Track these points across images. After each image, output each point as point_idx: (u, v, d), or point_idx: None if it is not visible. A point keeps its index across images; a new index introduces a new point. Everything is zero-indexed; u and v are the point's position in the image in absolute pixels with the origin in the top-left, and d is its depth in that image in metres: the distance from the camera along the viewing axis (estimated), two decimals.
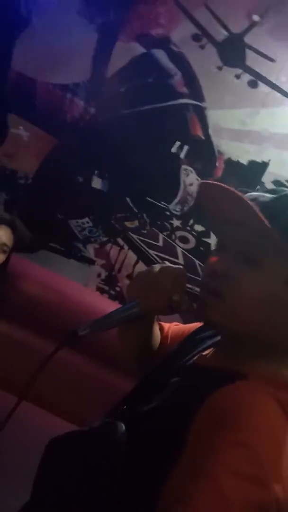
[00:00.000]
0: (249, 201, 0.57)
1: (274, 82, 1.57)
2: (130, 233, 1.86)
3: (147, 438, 0.56)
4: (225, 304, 0.60)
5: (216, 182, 0.61)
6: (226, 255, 0.61)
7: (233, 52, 1.57)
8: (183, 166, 1.73)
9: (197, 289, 0.65)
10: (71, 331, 0.67)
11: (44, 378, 0.71)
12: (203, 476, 0.48)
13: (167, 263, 0.72)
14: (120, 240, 1.88)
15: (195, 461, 0.49)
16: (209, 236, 1.77)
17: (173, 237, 1.82)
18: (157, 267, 0.69)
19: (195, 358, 0.70)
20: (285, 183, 1.64)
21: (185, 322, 0.89)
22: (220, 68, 1.60)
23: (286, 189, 0.62)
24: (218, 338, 0.71)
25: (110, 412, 0.71)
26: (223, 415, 0.52)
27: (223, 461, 0.48)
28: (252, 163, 1.66)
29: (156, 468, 0.53)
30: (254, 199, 0.59)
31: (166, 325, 0.90)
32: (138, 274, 0.72)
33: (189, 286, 0.68)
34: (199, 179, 1.73)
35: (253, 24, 1.53)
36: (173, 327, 0.90)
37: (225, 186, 0.59)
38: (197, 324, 0.82)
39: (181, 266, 0.70)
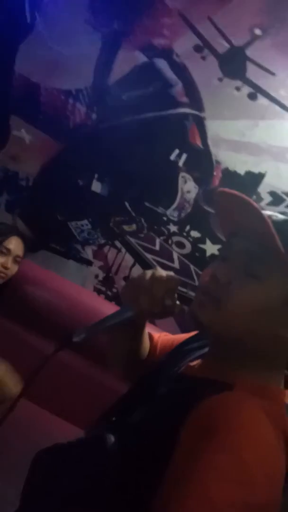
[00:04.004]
0: (265, 216, 0.58)
1: (273, 95, 1.59)
2: (127, 236, 1.90)
3: (138, 450, 0.57)
4: (220, 309, 0.61)
5: (235, 192, 0.61)
6: (229, 264, 0.62)
7: (234, 64, 1.59)
8: (181, 174, 1.76)
9: (191, 293, 0.68)
10: (66, 337, 0.69)
11: (43, 377, 0.75)
12: (190, 482, 0.48)
13: (159, 269, 0.73)
14: (117, 243, 1.92)
15: (182, 469, 0.50)
16: (204, 243, 1.81)
17: (170, 242, 1.85)
18: (148, 273, 0.70)
19: (182, 368, 0.71)
20: (282, 195, 1.68)
21: (179, 326, 0.90)
22: (220, 80, 1.62)
23: None
24: (206, 349, 0.72)
25: (98, 423, 0.72)
26: (209, 424, 0.53)
27: (209, 467, 0.49)
28: (249, 173, 1.69)
29: (147, 479, 0.54)
30: (268, 216, 0.60)
31: (155, 335, 0.91)
32: (131, 280, 0.73)
33: (184, 290, 0.72)
34: (196, 186, 1.77)
35: (255, 38, 1.55)
36: (163, 337, 0.91)
37: (245, 196, 0.60)
38: (186, 335, 0.84)
39: (172, 272, 0.72)
